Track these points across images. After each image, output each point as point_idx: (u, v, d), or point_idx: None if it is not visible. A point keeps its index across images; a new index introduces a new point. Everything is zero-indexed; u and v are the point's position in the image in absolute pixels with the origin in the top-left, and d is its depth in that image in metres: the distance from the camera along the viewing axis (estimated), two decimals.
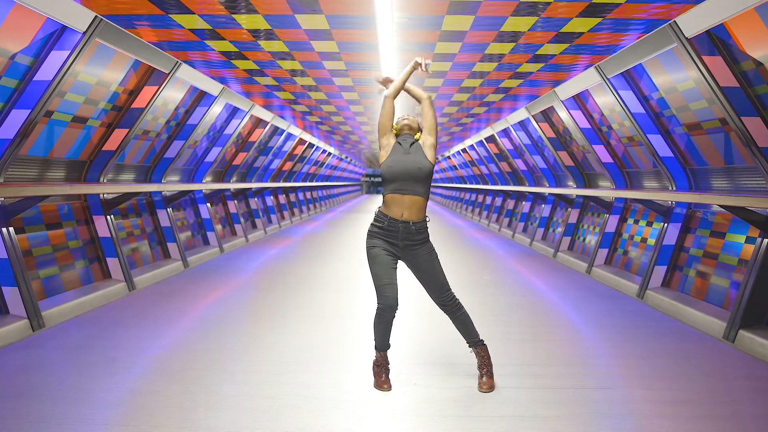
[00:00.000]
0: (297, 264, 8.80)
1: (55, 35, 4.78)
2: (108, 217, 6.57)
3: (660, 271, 6.36)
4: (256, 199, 13.37)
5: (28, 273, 5.01)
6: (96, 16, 4.86)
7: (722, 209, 5.54)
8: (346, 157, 27.45)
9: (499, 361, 3.82)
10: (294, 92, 9.09)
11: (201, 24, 5.28)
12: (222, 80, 8.05)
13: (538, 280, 7.55)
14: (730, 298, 5.31)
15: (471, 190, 21.07)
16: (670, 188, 6.41)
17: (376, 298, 3.47)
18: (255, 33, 5.61)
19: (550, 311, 5.79)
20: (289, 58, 6.67)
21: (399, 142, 3.65)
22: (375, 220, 3.56)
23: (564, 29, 5.33)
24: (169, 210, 8.34)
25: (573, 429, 3.00)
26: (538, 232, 11.39)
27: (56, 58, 4.79)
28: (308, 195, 21.26)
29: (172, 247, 8.28)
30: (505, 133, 12.63)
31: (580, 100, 8.10)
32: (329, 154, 22.23)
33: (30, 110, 4.74)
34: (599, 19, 4.98)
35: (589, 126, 8.09)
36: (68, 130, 5.77)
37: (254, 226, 13.27)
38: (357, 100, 9.78)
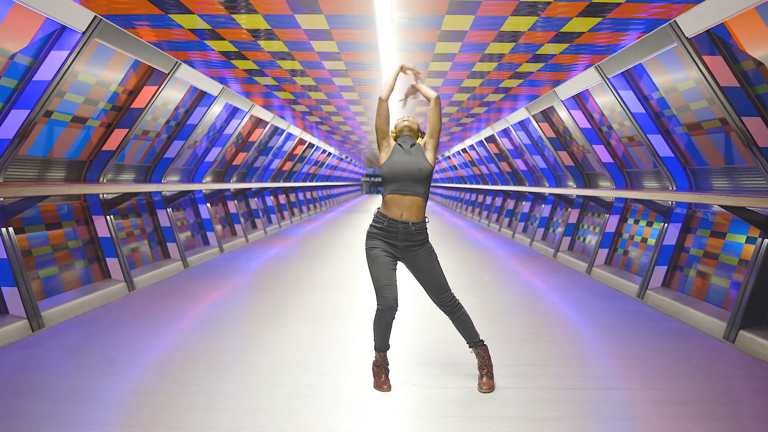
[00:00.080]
0: (297, 264, 8.80)
1: (54, 35, 4.77)
2: (108, 217, 6.56)
3: (660, 271, 6.36)
4: (256, 199, 13.37)
5: (27, 273, 5.00)
6: (95, 16, 4.85)
7: (722, 209, 5.54)
8: (346, 157, 27.45)
9: (499, 362, 3.81)
10: (294, 92, 9.09)
11: (201, 24, 5.28)
12: (222, 80, 8.05)
13: (538, 280, 7.55)
14: (730, 298, 5.31)
15: (471, 190, 21.06)
16: (671, 188, 6.41)
17: (375, 299, 3.46)
18: (255, 33, 5.61)
19: (550, 311, 5.79)
20: (288, 58, 6.66)
21: (399, 144, 3.66)
22: (374, 221, 3.56)
23: (564, 29, 5.32)
24: (169, 210, 8.33)
25: (573, 429, 2.99)
26: (538, 232, 11.38)
27: (56, 58, 4.78)
28: (308, 195, 21.25)
29: (171, 247, 8.28)
30: (505, 133, 12.63)
31: (580, 100, 8.10)
32: (329, 154, 22.23)
33: (29, 110, 4.74)
34: (599, 19, 4.98)
35: (589, 126, 8.09)
36: (68, 130, 5.76)
37: (254, 226, 13.26)
38: (357, 100, 9.77)
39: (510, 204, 14.82)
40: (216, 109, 8.80)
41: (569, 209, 9.85)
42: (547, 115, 9.66)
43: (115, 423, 3.04)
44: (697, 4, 4.43)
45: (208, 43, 5.95)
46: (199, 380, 3.63)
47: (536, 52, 6.24)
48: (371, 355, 3.77)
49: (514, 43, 5.90)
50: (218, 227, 10.79)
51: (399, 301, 3.46)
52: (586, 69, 6.92)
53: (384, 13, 4.94)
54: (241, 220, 11.84)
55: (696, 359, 4.25)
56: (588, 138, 8.08)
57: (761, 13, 4.01)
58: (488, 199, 17.56)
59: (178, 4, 4.72)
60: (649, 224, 7.31)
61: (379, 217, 3.54)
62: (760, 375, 3.88)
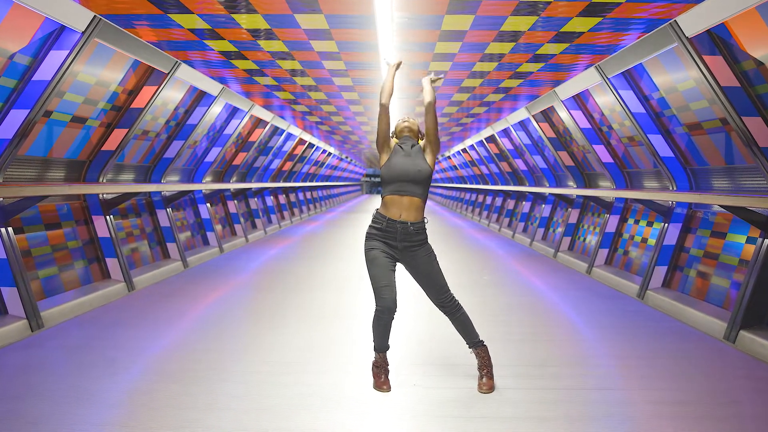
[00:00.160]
0: (297, 264, 8.80)
1: (53, 35, 4.77)
2: (107, 217, 6.56)
3: (660, 272, 6.35)
4: (256, 199, 13.36)
5: (27, 273, 5.00)
6: (95, 15, 4.85)
7: (723, 209, 5.53)
8: (346, 157, 27.45)
9: (499, 362, 3.81)
10: (294, 92, 9.09)
11: (200, 24, 5.27)
12: (222, 80, 8.04)
13: (538, 280, 7.54)
14: (730, 298, 5.30)
15: (471, 190, 21.06)
16: (671, 188, 6.40)
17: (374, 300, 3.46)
18: (254, 33, 5.61)
19: (550, 311, 5.78)
20: (288, 58, 6.66)
21: (400, 145, 3.67)
22: (373, 221, 3.56)
23: (564, 29, 5.32)
24: (169, 210, 8.33)
25: (573, 429, 2.99)
26: (539, 232, 11.38)
27: (55, 57, 4.78)
28: (308, 195, 21.25)
29: (171, 247, 8.27)
30: (506, 133, 12.62)
31: (581, 100, 8.09)
32: (329, 154, 22.22)
33: (29, 110, 4.74)
34: (599, 19, 4.97)
35: (589, 126, 8.08)
36: (67, 130, 5.76)
37: (254, 226, 13.26)
38: (357, 100, 9.77)
39: (510, 204, 14.81)
40: (216, 109, 8.80)
41: (569, 209, 9.85)
42: (547, 115, 9.65)
43: (115, 423, 3.03)
44: (697, 3, 4.43)
45: (208, 42, 5.95)
46: (199, 380, 3.62)
47: (536, 52, 6.24)
48: (371, 355, 3.77)
49: (514, 43, 5.90)
50: (218, 227, 10.78)
51: (398, 302, 3.46)
52: (586, 69, 6.91)
53: (384, 13, 4.94)
54: (241, 220, 11.84)
55: (696, 359, 4.25)
56: (588, 138, 8.08)
57: (762, 12, 4.01)
58: (488, 199, 17.56)
59: (178, 3, 4.71)
60: (650, 224, 7.30)
61: (378, 217, 3.54)
62: (760, 375, 3.88)
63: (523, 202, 13.17)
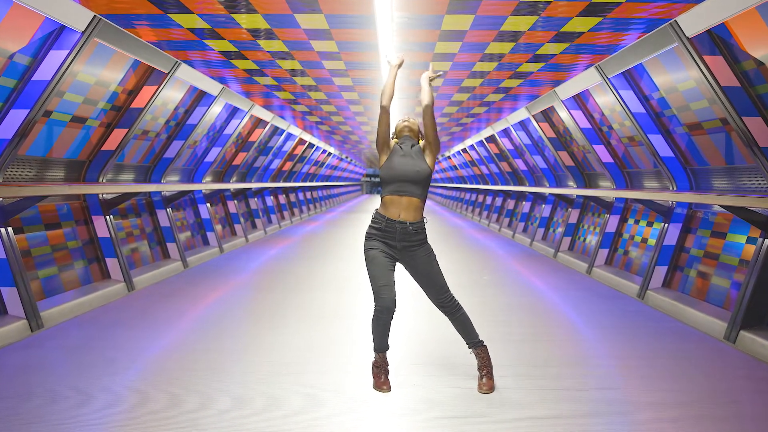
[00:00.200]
0: (297, 264, 8.79)
1: (53, 35, 4.77)
2: (107, 217, 6.55)
3: (660, 272, 6.35)
4: (256, 199, 13.36)
5: (26, 273, 4.99)
6: (95, 15, 4.85)
7: (723, 209, 5.53)
8: (346, 157, 27.45)
9: (499, 362, 3.80)
10: (294, 92, 9.08)
11: (200, 24, 5.27)
12: (222, 80, 8.04)
13: (538, 280, 7.54)
14: (731, 298, 5.30)
15: (471, 190, 21.06)
16: (671, 188, 6.40)
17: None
18: (254, 33, 5.60)
19: (550, 311, 5.78)
20: (288, 57, 6.66)
21: (399, 145, 3.66)
22: (372, 221, 3.56)
23: (564, 29, 5.32)
24: (169, 210, 8.33)
25: (573, 430, 2.99)
26: (539, 232, 11.38)
27: (55, 57, 4.77)
28: (308, 195, 21.25)
29: (171, 247, 8.27)
30: (506, 133, 12.62)
31: (581, 100, 8.09)
32: (329, 154, 22.22)
33: (29, 110, 4.73)
34: (599, 19, 4.97)
35: (589, 126, 8.08)
36: (67, 129, 5.75)
37: (254, 226, 13.26)
38: (357, 100, 9.77)
39: (510, 204, 14.81)
40: (216, 109, 8.80)
41: (569, 209, 9.85)
42: (548, 115, 9.65)
43: (115, 423, 3.03)
44: (697, 3, 4.43)
45: (208, 42, 5.95)
46: (199, 380, 3.62)
47: (536, 52, 6.24)
48: (371, 355, 3.76)
49: (514, 43, 5.89)
50: (218, 227, 10.78)
51: (398, 302, 3.46)
52: (586, 69, 6.91)
53: (384, 13, 4.94)
54: (241, 220, 11.84)
55: (696, 359, 4.24)
56: (588, 138, 8.08)
57: (762, 12, 4.01)
58: (488, 199, 17.56)
59: (178, 3, 4.71)
60: (650, 224, 7.30)
61: (377, 217, 3.54)
62: (760, 375, 3.88)
63: (523, 202, 13.16)
